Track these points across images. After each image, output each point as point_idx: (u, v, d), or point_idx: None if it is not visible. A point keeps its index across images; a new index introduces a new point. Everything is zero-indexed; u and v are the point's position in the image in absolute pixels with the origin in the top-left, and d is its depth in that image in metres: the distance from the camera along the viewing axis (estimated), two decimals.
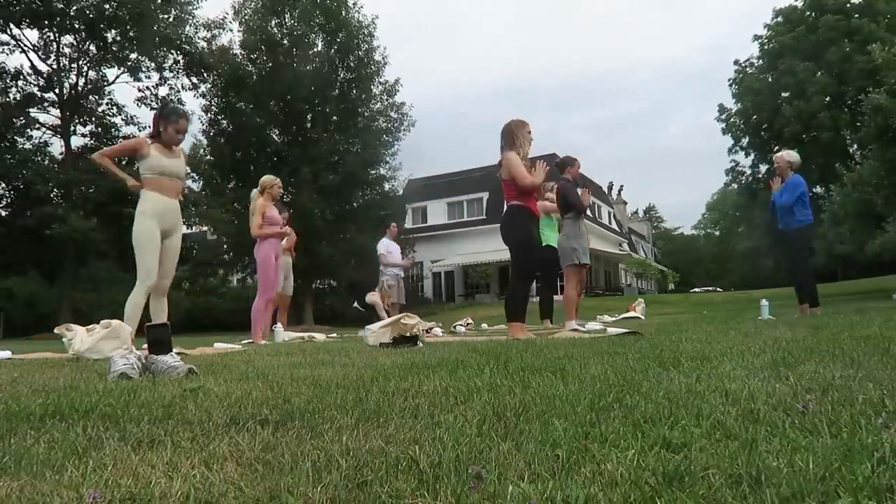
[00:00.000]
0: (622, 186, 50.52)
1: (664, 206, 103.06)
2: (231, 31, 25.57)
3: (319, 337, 6.69)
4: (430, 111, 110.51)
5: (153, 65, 23.60)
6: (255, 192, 6.36)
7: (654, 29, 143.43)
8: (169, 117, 4.48)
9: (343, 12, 25.75)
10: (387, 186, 27.72)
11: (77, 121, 23.11)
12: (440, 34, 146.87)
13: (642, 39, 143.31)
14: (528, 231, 5.06)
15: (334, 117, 25.98)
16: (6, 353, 4.49)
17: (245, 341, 5.90)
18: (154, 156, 4.36)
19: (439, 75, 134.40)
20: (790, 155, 6.70)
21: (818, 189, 25.16)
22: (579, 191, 6.61)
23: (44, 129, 22.66)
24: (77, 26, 21.68)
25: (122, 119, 23.92)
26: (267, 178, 6.40)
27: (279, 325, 6.51)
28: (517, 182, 4.95)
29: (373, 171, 26.53)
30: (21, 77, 22.09)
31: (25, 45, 21.90)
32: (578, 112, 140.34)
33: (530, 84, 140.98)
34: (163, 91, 24.11)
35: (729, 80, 31.98)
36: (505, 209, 5.16)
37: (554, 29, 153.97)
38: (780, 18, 30.17)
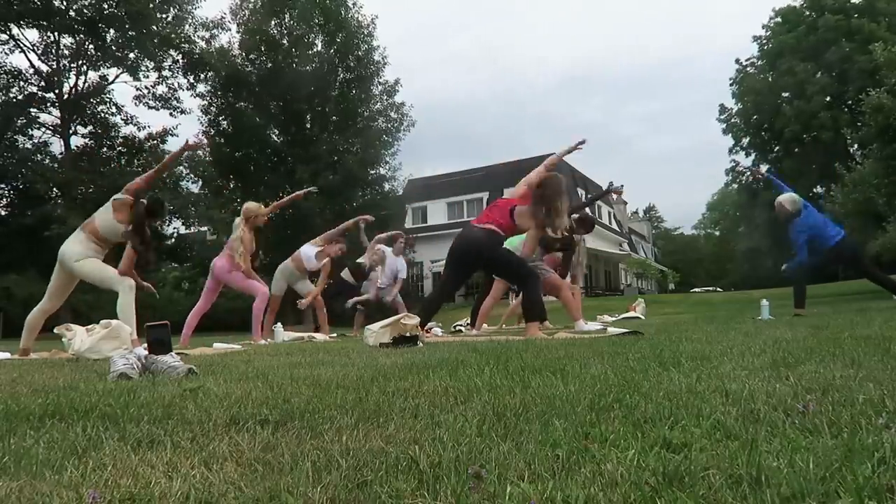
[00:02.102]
0: (622, 186, 50.43)
1: (664, 207, 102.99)
2: (230, 31, 25.62)
3: (319, 337, 6.69)
4: (483, 101, 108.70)
5: (152, 64, 23.62)
6: (238, 220, 6.35)
7: (733, 10, 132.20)
8: (157, 214, 4.96)
9: (342, 12, 25.76)
10: (387, 186, 27.74)
11: (77, 121, 23.13)
12: (504, 20, 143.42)
13: (717, 23, 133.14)
14: (503, 247, 5.13)
15: (334, 117, 25.99)
16: (6, 354, 4.49)
17: (244, 341, 5.91)
18: (121, 225, 4.60)
19: (499, 63, 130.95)
20: (787, 201, 6.40)
21: (818, 189, 25.18)
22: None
23: (44, 129, 22.70)
24: (76, 26, 21.69)
25: (122, 119, 23.95)
26: (252, 207, 6.39)
27: (279, 324, 6.52)
28: (525, 247, 5.05)
29: (372, 171, 26.52)
30: (21, 77, 22.12)
31: (25, 45, 21.94)
32: (635, 102, 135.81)
33: (592, 72, 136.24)
34: (161, 90, 24.14)
35: (729, 79, 32.04)
36: (482, 228, 5.01)
37: (627, 13, 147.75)
38: (779, 18, 30.18)
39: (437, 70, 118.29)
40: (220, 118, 25.75)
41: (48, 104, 22.64)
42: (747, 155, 31.78)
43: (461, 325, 7.95)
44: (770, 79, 29.40)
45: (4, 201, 23.14)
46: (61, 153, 22.91)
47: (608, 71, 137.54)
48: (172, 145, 23.73)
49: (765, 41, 30.48)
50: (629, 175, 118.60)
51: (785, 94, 28.55)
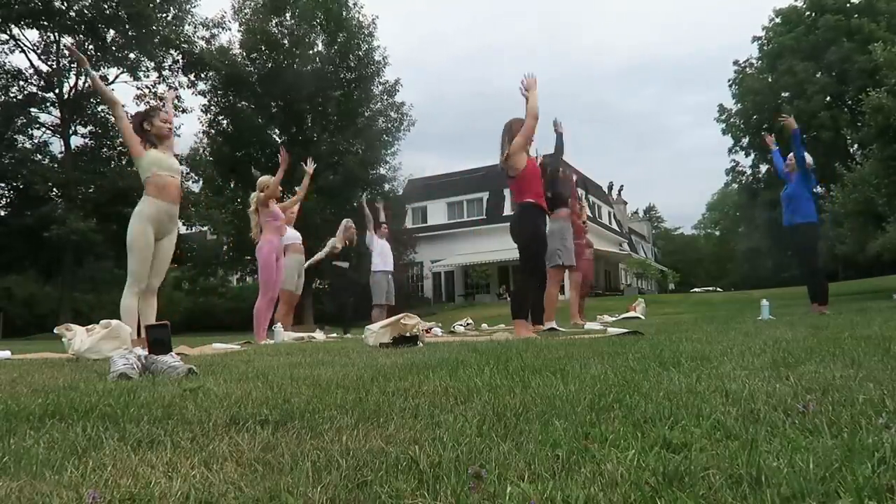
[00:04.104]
0: (622, 186, 50.44)
1: (664, 207, 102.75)
2: (230, 30, 25.60)
3: (319, 337, 6.69)
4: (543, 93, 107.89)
5: (152, 64, 23.61)
6: (253, 195, 6.47)
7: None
8: (149, 113, 4.53)
9: (343, 13, 25.76)
10: (387, 186, 27.72)
11: (77, 121, 23.10)
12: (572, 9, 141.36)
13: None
14: (539, 229, 5.03)
15: (334, 117, 25.98)
16: (6, 353, 4.49)
17: (243, 341, 5.90)
18: (153, 153, 4.37)
19: (562, 53, 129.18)
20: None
21: (818, 189, 25.15)
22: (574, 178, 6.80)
23: (44, 129, 22.68)
24: (76, 26, 21.68)
25: None
26: (264, 179, 6.50)
27: (279, 324, 6.50)
28: (526, 126, 4.87)
29: (373, 171, 26.52)
30: (21, 77, 22.11)
31: (25, 45, 21.92)
32: (688, 93, 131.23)
33: (654, 60, 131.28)
34: (161, 89, 24.10)
35: (729, 80, 32.03)
36: (517, 206, 5.09)
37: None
38: (779, 19, 30.18)
39: (495, 57, 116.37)
40: (221, 118, 25.76)
41: (48, 104, 22.61)
42: (747, 155, 31.83)
43: (461, 325, 7.95)
44: (770, 79, 29.39)
45: (4, 201, 23.09)
46: (61, 153, 22.89)
47: (667, 59, 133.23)
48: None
49: (764, 41, 30.48)
50: (665, 168, 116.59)
51: (785, 94, 28.55)
